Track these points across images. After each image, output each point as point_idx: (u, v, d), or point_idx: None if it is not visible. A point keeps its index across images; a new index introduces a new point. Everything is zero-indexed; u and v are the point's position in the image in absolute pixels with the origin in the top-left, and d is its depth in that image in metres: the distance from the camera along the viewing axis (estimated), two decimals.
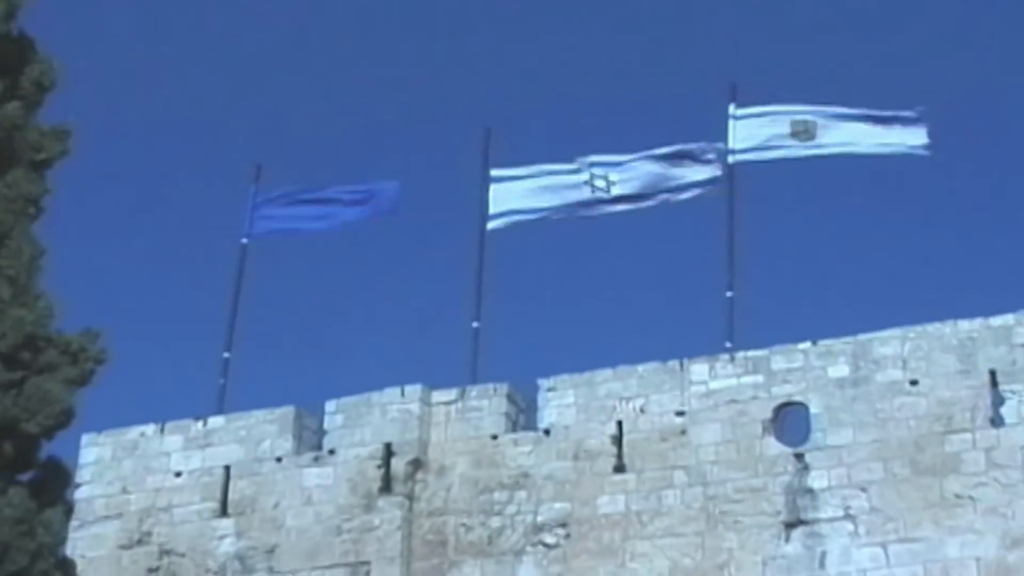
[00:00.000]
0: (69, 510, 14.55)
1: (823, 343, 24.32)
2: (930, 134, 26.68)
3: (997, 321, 23.57)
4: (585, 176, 27.38)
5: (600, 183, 27.27)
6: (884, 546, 22.82)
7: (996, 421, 22.99)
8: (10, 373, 13.37)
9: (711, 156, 26.67)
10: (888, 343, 23.95)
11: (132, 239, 50.46)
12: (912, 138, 26.46)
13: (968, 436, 23.00)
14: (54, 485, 14.05)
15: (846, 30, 50.97)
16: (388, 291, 47.80)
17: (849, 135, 26.59)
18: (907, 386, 23.56)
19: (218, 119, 51.70)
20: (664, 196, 27.11)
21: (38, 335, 13.52)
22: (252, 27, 52.63)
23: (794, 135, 26.52)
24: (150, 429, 26.60)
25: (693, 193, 26.88)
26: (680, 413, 24.41)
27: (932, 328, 23.83)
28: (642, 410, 24.59)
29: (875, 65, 47.83)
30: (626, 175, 27.21)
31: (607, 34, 51.31)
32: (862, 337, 24.13)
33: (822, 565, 22.97)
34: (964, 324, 23.72)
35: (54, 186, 14.32)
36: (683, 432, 24.26)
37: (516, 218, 27.54)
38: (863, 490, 23.15)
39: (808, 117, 26.59)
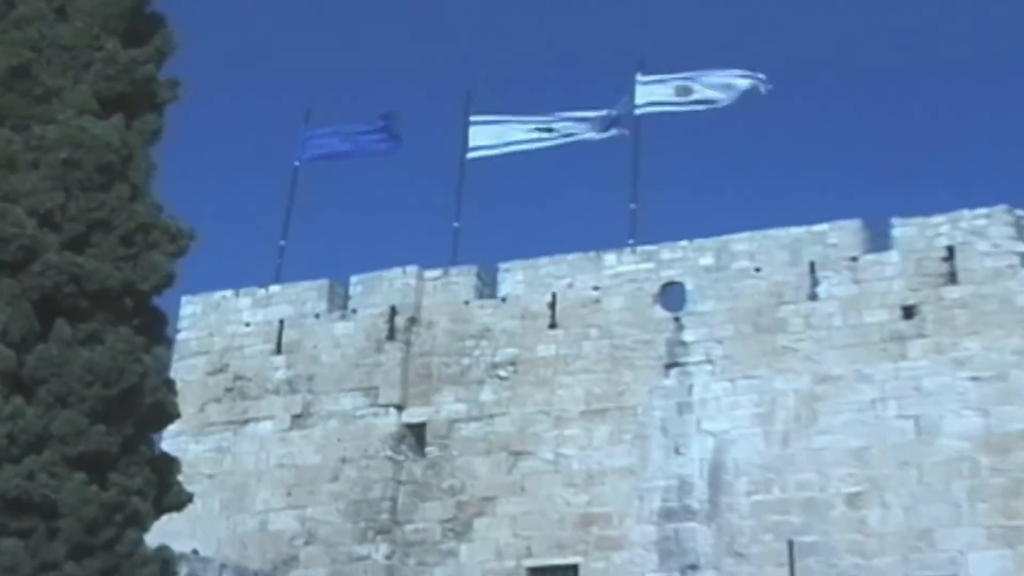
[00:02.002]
0: (170, 344, 14.81)
1: (696, 241, 24.42)
2: (770, 82, 26.20)
3: (816, 228, 23.75)
4: (536, 126, 27.71)
5: (546, 130, 27.59)
6: (733, 381, 23.08)
7: (813, 297, 23.22)
8: (128, 249, 13.63)
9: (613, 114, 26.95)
10: (741, 242, 24.08)
11: (221, 160, 51.68)
12: (755, 84, 26.54)
13: (793, 307, 23.26)
14: (156, 326, 14.34)
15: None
16: (396, 200, 49.05)
17: (713, 91, 26.72)
18: (753, 272, 23.74)
19: (278, 77, 52.74)
20: (582, 135, 27.41)
21: (149, 223, 13.78)
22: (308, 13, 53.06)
23: (677, 94, 26.72)
24: (228, 293, 26.68)
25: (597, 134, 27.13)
26: (596, 288, 24.50)
27: (771, 232, 23.97)
28: (570, 285, 24.68)
29: (737, 31, 48.67)
30: (561, 126, 27.55)
31: (555, 25, 52.02)
32: (723, 238, 24.27)
33: (690, 393, 23.23)
34: (793, 230, 23.90)
35: (169, 121, 14.54)
36: (597, 301, 24.38)
37: (487, 151, 27.77)
38: (719, 343, 23.40)
39: (687, 82, 26.81)
